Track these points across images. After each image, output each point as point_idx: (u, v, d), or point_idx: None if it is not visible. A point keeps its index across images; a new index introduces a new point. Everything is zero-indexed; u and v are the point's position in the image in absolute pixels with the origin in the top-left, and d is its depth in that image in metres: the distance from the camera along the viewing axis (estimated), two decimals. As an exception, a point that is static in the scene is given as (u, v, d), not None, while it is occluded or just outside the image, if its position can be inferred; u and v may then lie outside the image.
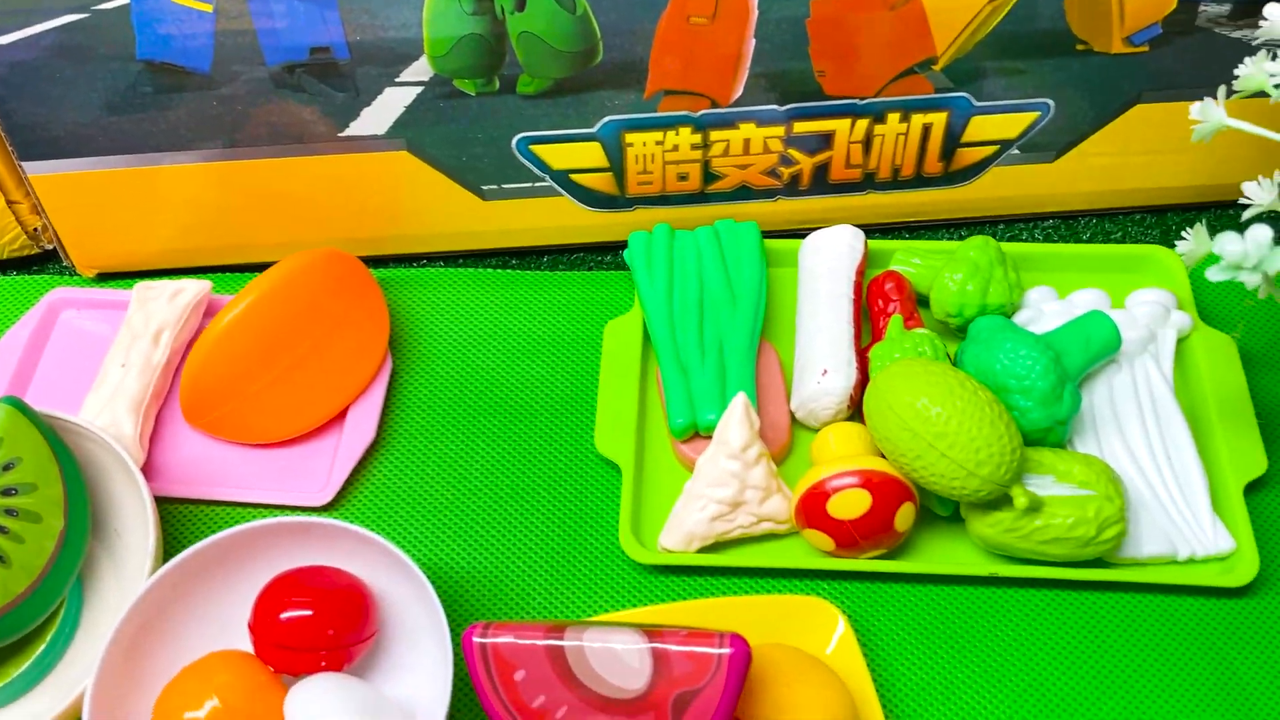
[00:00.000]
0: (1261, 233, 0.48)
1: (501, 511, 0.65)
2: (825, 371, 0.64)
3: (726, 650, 0.51)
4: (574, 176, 0.70)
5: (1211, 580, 0.60)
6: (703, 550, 0.62)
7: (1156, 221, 0.76)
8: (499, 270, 0.75)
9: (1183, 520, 0.62)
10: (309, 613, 0.54)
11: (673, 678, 0.51)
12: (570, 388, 0.70)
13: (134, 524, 0.61)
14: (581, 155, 0.69)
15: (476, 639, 0.53)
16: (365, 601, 0.56)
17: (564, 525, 0.65)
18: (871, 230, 0.73)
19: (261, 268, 0.70)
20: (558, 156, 0.69)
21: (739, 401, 0.62)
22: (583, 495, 0.66)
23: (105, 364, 0.67)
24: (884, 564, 0.61)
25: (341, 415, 0.67)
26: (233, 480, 0.66)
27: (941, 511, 0.63)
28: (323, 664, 0.55)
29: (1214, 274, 0.49)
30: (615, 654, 0.52)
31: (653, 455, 0.66)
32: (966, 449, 0.56)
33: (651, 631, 0.52)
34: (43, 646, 0.58)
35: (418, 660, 0.58)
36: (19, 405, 0.58)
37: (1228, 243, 0.48)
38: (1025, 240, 0.76)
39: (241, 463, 0.66)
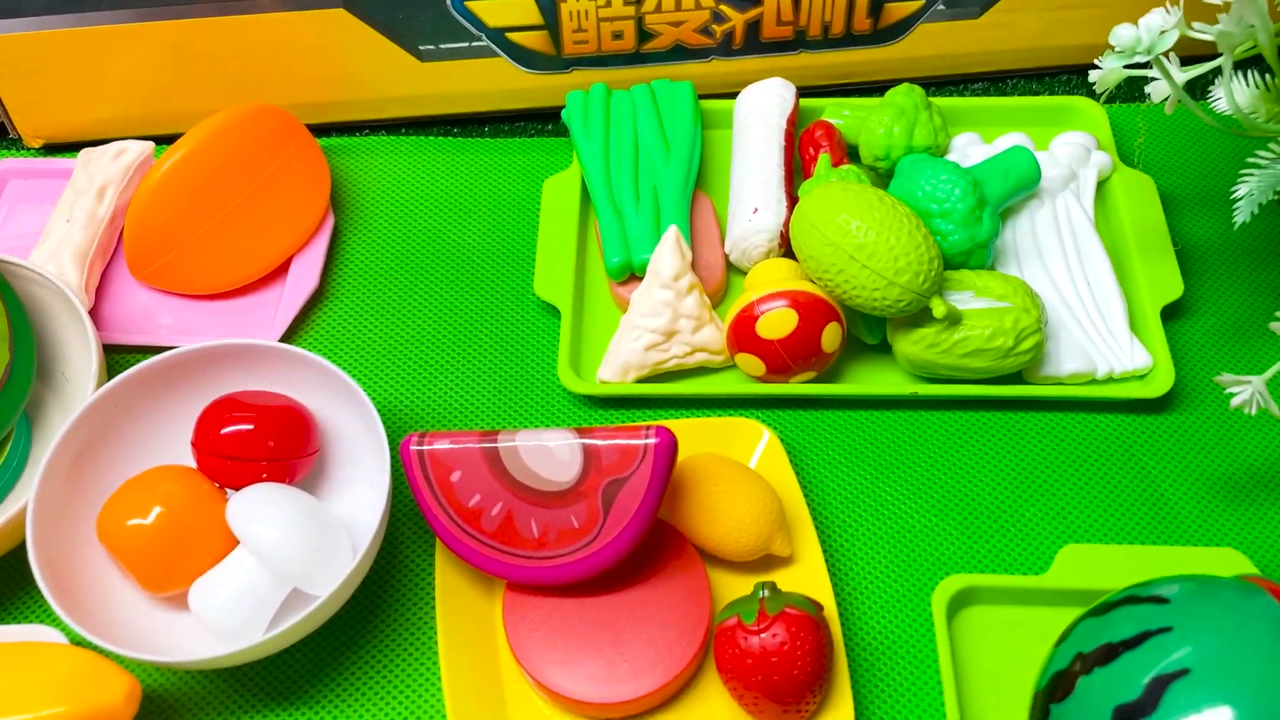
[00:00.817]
0: (1153, 18, 0.50)
1: (444, 354, 0.67)
2: (756, 210, 0.66)
3: (652, 440, 0.52)
4: (510, 35, 0.72)
5: (1129, 394, 0.63)
6: (639, 381, 0.64)
7: (1081, 82, 0.78)
8: (440, 138, 0.76)
9: (1101, 340, 0.64)
10: (250, 426, 0.56)
11: (602, 468, 0.53)
12: (511, 242, 0.71)
13: (80, 368, 0.62)
14: (516, 11, 0.70)
15: (414, 447, 0.55)
16: (305, 419, 0.58)
17: (504, 365, 0.66)
18: (806, 93, 0.75)
19: (206, 134, 0.71)
20: (492, 13, 0.70)
21: (670, 233, 0.63)
22: (523, 338, 0.68)
23: (50, 220, 0.68)
24: (812, 388, 0.63)
25: (284, 268, 0.69)
26: (179, 329, 0.67)
27: (869, 339, 0.64)
28: (264, 477, 0.56)
29: (1109, 61, 0.51)
30: (547, 450, 0.53)
31: (591, 301, 0.68)
32: (885, 259, 0.58)
33: (581, 430, 0.54)
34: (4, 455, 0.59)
35: (359, 483, 0.59)
36: (-38, 244, 0.59)
37: (1121, 29, 0.50)
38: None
39: (187, 313, 0.68)
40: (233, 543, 0.55)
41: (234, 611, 0.54)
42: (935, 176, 0.62)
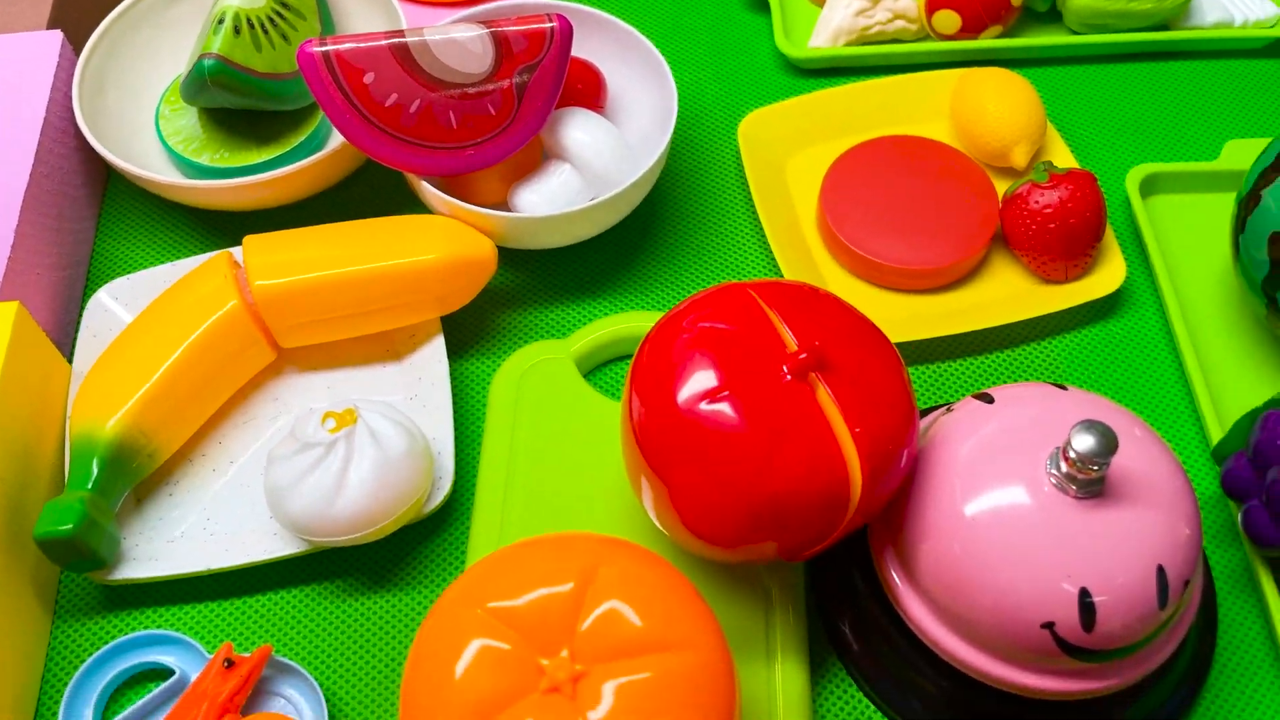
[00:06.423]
0: None
1: (656, 36, 0.77)
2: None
3: (555, 24, 0.58)
4: None
5: (1264, 34, 0.74)
6: (848, 44, 0.74)
7: None
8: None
9: (1236, -4, 0.75)
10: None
11: (514, 55, 0.57)
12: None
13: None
14: None
15: (315, 49, 0.55)
16: (600, 76, 0.67)
17: (717, 40, 0.77)
18: None
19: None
20: None
21: (873, -89, 0.74)
22: (732, 19, 0.78)
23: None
24: (1003, 42, 0.74)
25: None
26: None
27: (1039, 5, 0.75)
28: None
29: None
30: (458, 43, 0.57)
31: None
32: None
33: (485, 20, 0.58)
34: (312, 128, 0.68)
35: (641, 115, 0.69)
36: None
37: None
38: None
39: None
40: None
41: (549, 206, 0.63)
42: None
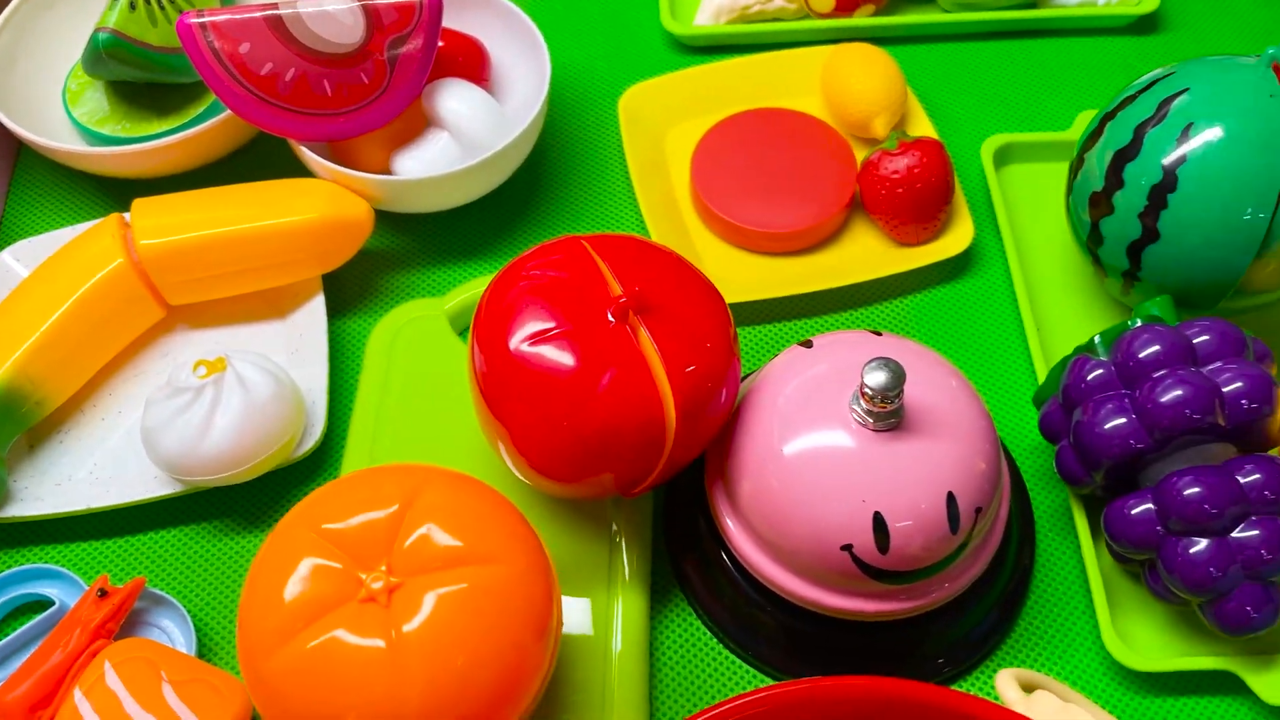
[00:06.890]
0: None
1: (548, 17, 0.81)
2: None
3: None
4: None
5: (1126, 10, 0.78)
6: (730, 22, 0.78)
7: None
8: None
9: (1100, -24, 0.79)
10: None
11: (384, 27, 0.61)
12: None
13: None
14: None
15: (192, 20, 0.59)
16: (483, 50, 0.71)
17: (608, 6, 0.80)
18: None
19: None
20: None
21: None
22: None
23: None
24: (876, 20, 0.77)
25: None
26: None
27: (916, -13, 0.79)
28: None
29: None
30: (330, 15, 0.60)
31: (678, -21, 0.82)
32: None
33: None
34: (210, 101, 0.71)
35: (516, 82, 0.73)
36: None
37: None
38: None
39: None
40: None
41: (427, 172, 0.66)
42: None
